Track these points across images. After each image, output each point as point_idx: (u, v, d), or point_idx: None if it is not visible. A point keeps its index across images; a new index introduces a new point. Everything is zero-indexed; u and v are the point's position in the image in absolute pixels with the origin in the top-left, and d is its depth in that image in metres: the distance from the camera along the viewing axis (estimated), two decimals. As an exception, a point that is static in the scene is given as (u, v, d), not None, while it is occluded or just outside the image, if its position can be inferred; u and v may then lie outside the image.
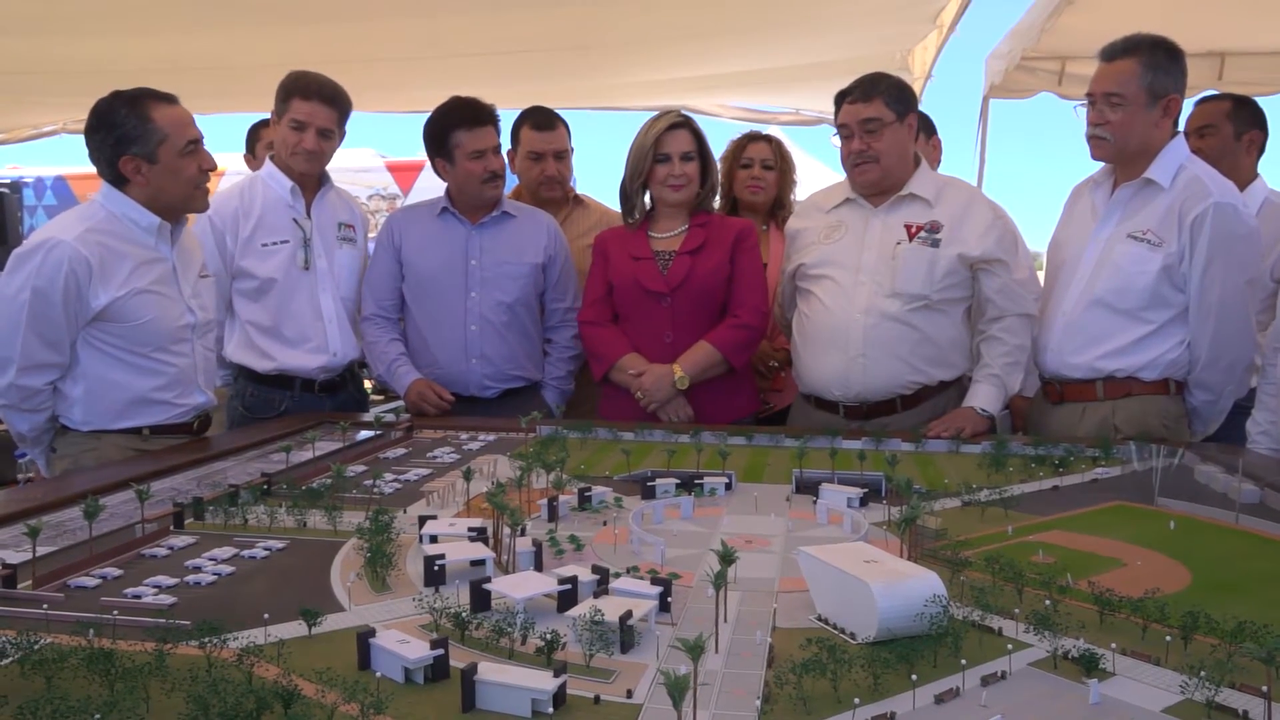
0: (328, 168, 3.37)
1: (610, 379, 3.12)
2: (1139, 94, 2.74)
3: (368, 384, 4.60)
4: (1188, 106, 3.48)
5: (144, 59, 5.38)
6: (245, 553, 1.73)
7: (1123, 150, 2.81)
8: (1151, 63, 2.75)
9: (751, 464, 2.50)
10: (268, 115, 4.02)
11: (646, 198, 3.18)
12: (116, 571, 1.64)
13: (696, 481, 2.19)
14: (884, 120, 2.91)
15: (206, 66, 5.47)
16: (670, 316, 3.06)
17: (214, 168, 2.73)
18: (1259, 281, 2.82)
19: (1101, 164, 2.95)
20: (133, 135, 2.57)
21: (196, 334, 2.77)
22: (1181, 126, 2.98)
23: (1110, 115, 2.77)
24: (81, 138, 2.63)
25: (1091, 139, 2.84)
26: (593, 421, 2.90)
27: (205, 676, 1.13)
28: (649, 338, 3.08)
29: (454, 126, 3.25)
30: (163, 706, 1.12)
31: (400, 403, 3.44)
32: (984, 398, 2.91)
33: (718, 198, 3.44)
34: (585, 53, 5.78)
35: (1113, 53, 2.81)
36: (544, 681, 1.14)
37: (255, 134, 4.49)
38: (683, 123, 3.06)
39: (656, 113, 3.14)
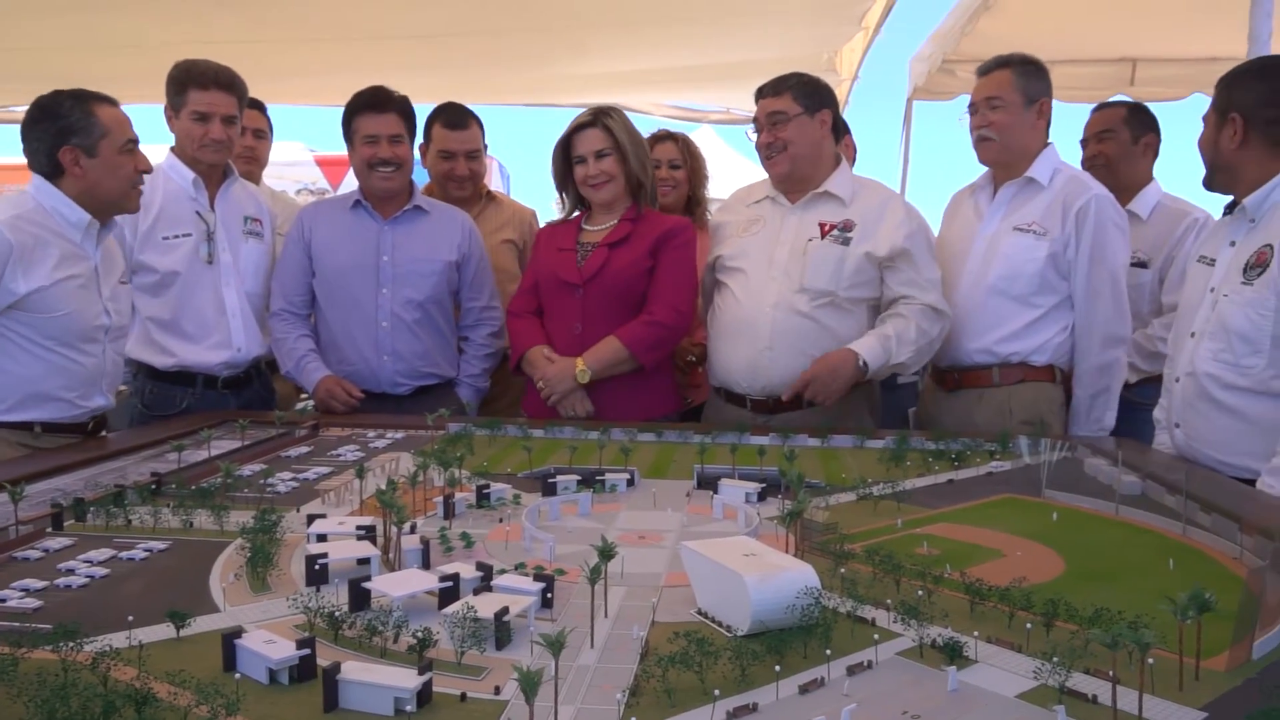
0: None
1: (522, 369, 3.13)
2: (1016, 96, 3.01)
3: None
4: (1086, 112, 3.70)
5: (54, 40, 5.17)
6: (123, 554, 1.68)
7: (1006, 148, 3.04)
8: (1024, 71, 3.03)
9: (658, 460, 2.51)
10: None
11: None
12: (-18, 575, 1.58)
13: (598, 478, 2.18)
14: (789, 114, 3.00)
15: (123, 44, 5.27)
16: (581, 308, 3.05)
17: (149, 169, 2.74)
18: (1124, 273, 3.07)
19: (985, 169, 3.19)
20: (76, 127, 2.59)
21: (109, 337, 2.76)
22: (1078, 135, 3.17)
23: (992, 116, 3.03)
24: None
25: (979, 142, 3.08)
26: (501, 419, 2.88)
27: (55, 681, 1.09)
28: (561, 329, 3.09)
29: (355, 111, 3.25)
30: (8, 713, 1.08)
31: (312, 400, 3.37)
32: (867, 349, 2.91)
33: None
34: (507, 38, 5.69)
35: (988, 68, 3.10)
36: (407, 680, 1.13)
37: None
38: (590, 122, 3.04)
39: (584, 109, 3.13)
